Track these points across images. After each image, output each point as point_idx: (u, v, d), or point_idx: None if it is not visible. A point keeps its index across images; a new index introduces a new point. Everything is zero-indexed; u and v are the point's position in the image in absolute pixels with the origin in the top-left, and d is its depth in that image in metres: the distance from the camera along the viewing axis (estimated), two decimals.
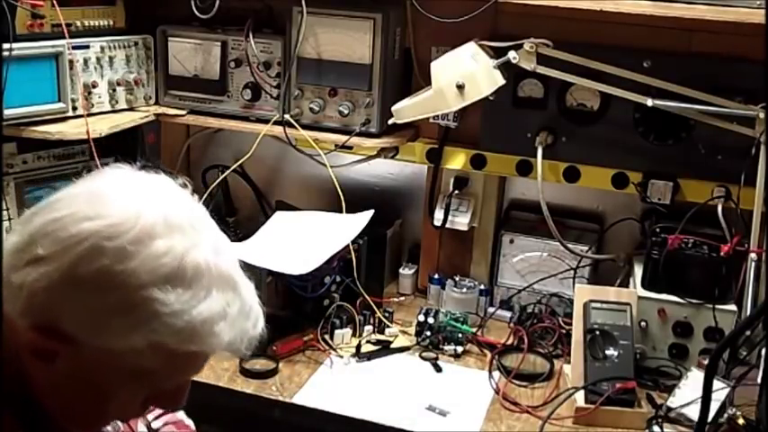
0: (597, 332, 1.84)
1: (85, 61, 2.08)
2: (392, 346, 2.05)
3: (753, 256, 1.84)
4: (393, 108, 2.00)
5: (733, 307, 1.91)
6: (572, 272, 2.14)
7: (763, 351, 1.71)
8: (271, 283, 2.01)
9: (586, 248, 2.14)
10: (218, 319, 0.98)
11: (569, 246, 2.09)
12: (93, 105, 2.12)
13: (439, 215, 2.22)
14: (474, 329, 2.07)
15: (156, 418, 1.37)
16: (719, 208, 1.95)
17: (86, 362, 0.97)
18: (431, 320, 2.06)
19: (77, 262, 0.94)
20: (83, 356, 0.97)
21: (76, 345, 0.96)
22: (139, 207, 0.97)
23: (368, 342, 2.04)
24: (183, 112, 2.25)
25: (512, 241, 2.20)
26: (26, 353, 0.97)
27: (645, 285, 1.96)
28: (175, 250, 0.96)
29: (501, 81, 1.92)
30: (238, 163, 2.27)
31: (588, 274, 2.16)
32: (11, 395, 0.99)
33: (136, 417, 1.14)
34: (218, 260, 1.00)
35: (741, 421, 1.66)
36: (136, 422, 1.27)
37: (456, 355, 2.03)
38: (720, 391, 1.70)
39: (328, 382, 1.90)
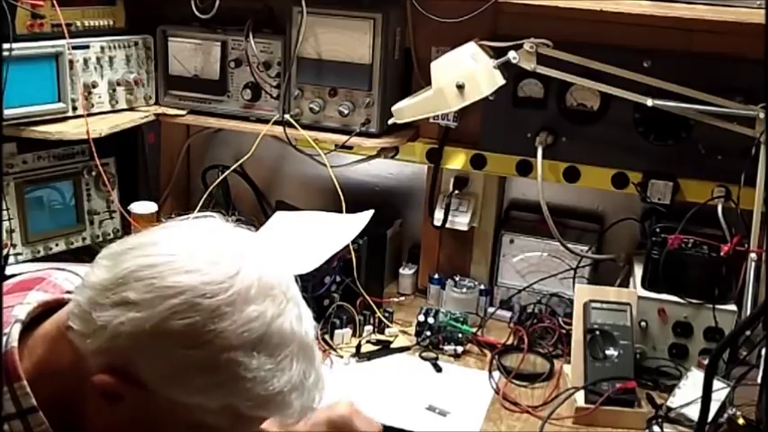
0: (597, 332, 1.84)
1: (85, 61, 2.08)
2: (392, 346, 2.05)
3: (753, 256, 1.84)
4: (393, 108, 2.00)
5: (733, 307, 1.90)
6: (572, 272, 2.14)
7: (763, 351, 1.71)
8: None
9: (586, 248, 2.14)
10: (293, 389, 1.00)
11: (569, 246, 2.09)
12: (93, 105, 2.12)
13: (439, 215, 2.22)
14: (474, 329, 2.07)
15: None
16: (719, 208, 1.95)
17: (152, 410, 0.97)
18: (431, 320, 2.06)
19: (169, 314, 0.93)
20: (150, 404, 0.96)
21: (147, 392, 0.95)
22: (237, 266, 0.96)
23: (368, 342, 2.04)
24: (183, 112, 2.25)
25: (512, 241, 2.20)
26: (91, 390, 0.96)
27: (645, 285, 1.96)
28: (265, 316, 0.96)
29: (501, 81, 1.92)
30: (238, 163, 2.27)
31: (588, 274, 2.16)
32: (59, 423, 0.98)
33: None
34: (301, 329, 1.01)
35: (741, 421, 1.65)
36: None
37: (456, 355, 2.03)
38: (720, 391, 1.69)
39: (328, 382, 1.89)
